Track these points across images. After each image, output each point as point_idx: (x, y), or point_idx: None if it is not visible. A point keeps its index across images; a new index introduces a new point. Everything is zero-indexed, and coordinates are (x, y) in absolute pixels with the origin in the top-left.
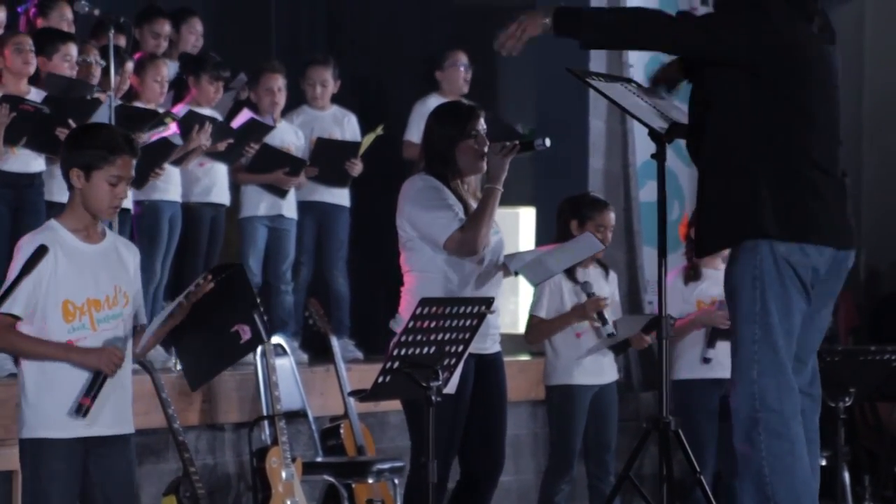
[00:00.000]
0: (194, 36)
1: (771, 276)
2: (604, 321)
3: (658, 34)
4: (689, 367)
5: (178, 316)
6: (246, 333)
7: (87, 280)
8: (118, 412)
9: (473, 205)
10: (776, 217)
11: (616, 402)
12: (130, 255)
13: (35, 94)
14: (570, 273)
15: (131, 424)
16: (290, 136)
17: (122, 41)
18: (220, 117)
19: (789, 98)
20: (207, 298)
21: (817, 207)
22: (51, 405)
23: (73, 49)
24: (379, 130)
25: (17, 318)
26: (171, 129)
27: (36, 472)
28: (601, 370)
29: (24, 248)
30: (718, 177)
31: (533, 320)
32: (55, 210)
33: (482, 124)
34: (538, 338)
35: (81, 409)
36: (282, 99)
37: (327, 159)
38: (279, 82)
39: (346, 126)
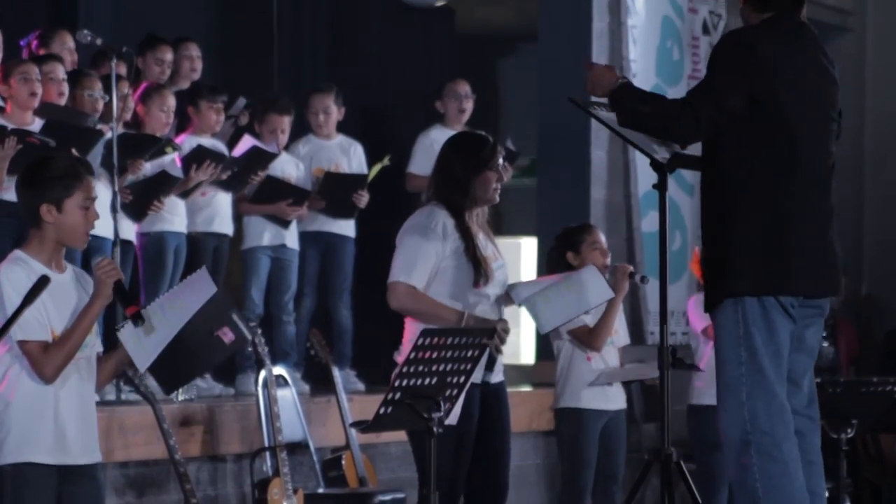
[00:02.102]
0: (190, 62)
1: (751, 298)
2: (643, 279)
3: (673, 133)
4: (706, 393)
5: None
6: (228, 335)
7: (63, 309)
8: (86, 441)
9: (481, 236)
10: (752, 281)
11: (625, 432)
12: (88, 283)
13: (37, 126)
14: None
15: (98, 453)
16: (290, 167)
17: (124, 70)
18: (225, 150)
19: (777, 146)
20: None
21: (797, 263)
22: (41, 430)
23: (55, 68)
24: (386, 161)
25: (45, 342)
26: (175, 160)
27: (19, 499)
28: (610, 396)
29: (3, 280)
30: (708, 232)
31: (581, 331)
32: None
33: (501, 156)
34: (601, 338)
35: (138, 318)
36: (285, 139)
37: (335, 192)
38: (284, 124)
39: (352, 155)
